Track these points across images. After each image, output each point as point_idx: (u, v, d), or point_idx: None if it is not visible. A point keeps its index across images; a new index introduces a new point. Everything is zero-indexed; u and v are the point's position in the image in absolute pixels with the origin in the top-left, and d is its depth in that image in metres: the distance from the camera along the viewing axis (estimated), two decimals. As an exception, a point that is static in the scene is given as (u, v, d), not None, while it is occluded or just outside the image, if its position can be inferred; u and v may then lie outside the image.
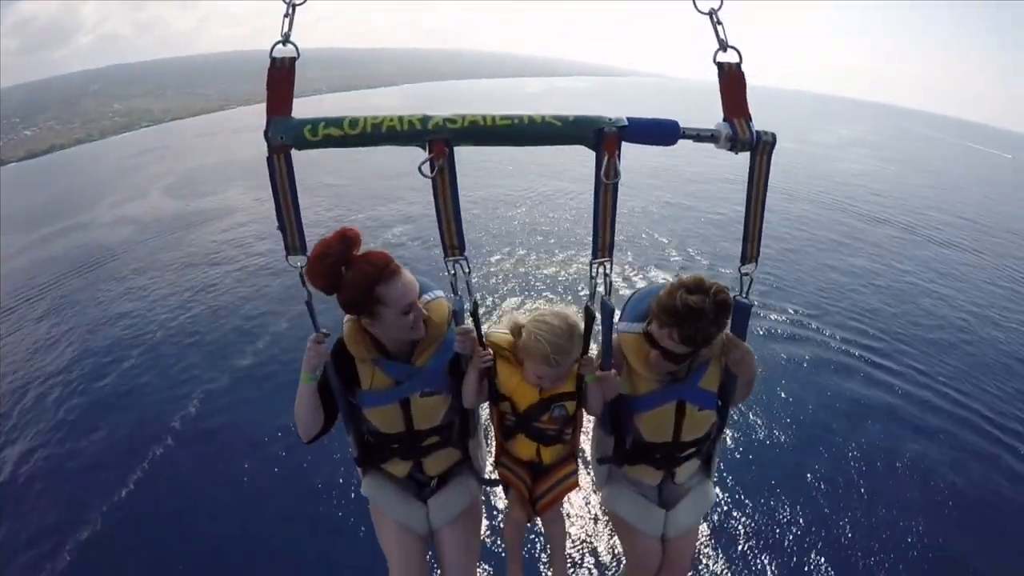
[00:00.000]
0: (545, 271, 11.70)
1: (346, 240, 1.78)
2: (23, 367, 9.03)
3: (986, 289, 12.33)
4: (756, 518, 5.56)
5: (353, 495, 5.72)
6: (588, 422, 2.26)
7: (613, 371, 1.95)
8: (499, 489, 2.42)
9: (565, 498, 2.27)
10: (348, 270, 1.78)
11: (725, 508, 5.63)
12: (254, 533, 5.63)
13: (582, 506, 5.46)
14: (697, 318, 1.71)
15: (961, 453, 6.79)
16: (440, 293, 2.09)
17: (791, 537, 5.41)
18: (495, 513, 5.06)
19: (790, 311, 10.05)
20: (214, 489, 6.24)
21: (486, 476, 2.35)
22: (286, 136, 1.60)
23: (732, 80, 1.66)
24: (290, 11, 1.51)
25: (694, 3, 1.60)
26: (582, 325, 1.95)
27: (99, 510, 5.95)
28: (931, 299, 11.28)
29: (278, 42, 1.53)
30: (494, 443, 2.30)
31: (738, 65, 1.65)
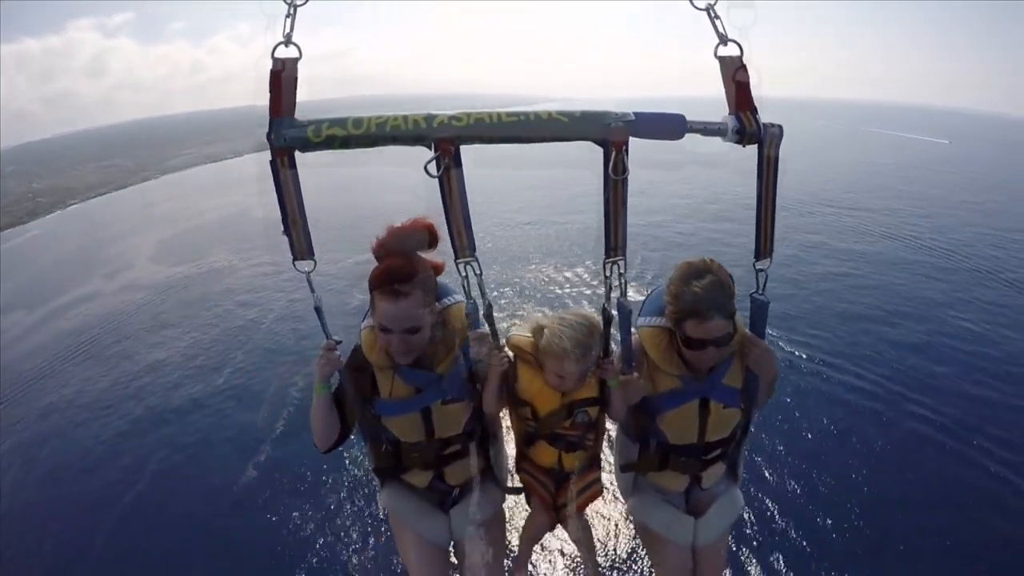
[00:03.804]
0: (562, 273, 11.36)
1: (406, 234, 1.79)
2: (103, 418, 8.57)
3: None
4: (787, 522, 5.22)
5: (373, 506, 5.43)
6: (611, 428, 2.17)
7: (636, 375, 1.92)
8: (521, 497, 2.32)
9: (589, 506, 2.18)
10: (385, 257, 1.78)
11: (754, 513, 5.33)
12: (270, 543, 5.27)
13: (607, 515, 5.18)
14: (719, 290, 1.75)
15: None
16: (461, 297, 2.00)
17: (827, 541, 5.09)
18: (518, 522, 4.73)
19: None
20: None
21: (509, 484, 2.27)
22: (289, 138, 1.57)
23: (734, 73, 1.67)
24: (291, 12, 1.50)
25: (691, 1, 1.62)
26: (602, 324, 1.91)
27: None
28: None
29: (279, 43, 1.51)
30: (514, 450, 2.21)
31: (739, 58, 1.66)
